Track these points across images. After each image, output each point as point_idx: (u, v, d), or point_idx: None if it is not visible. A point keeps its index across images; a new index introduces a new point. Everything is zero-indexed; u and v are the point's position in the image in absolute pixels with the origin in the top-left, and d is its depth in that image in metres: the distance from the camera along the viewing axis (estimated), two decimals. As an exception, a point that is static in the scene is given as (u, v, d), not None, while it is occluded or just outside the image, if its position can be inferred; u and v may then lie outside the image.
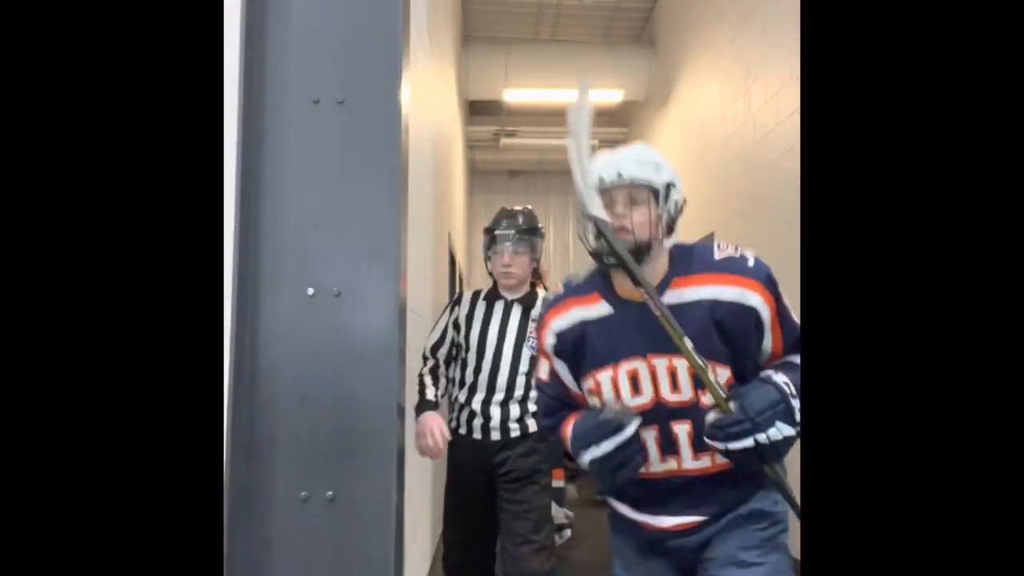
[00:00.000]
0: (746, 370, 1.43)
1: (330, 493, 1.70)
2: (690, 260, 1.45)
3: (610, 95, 7.24)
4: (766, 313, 1.44)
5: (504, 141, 8.03)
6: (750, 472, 1.46)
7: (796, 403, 1.38)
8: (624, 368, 1.42)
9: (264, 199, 1.78)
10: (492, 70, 6.85)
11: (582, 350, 1.46)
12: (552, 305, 1.54)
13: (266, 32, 1.82)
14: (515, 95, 7.12)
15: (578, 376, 1.49)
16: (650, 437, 1.43)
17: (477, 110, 8.78)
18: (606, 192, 1.38)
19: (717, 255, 1.44)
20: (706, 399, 1.37)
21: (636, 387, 1.42)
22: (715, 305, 1.39)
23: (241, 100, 1.75)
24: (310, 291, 1.73)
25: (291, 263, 1.73)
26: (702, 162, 5.52)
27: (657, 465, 1.45)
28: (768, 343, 1.46)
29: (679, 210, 1.49)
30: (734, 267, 1.42)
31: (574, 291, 1.52)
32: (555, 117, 8.93)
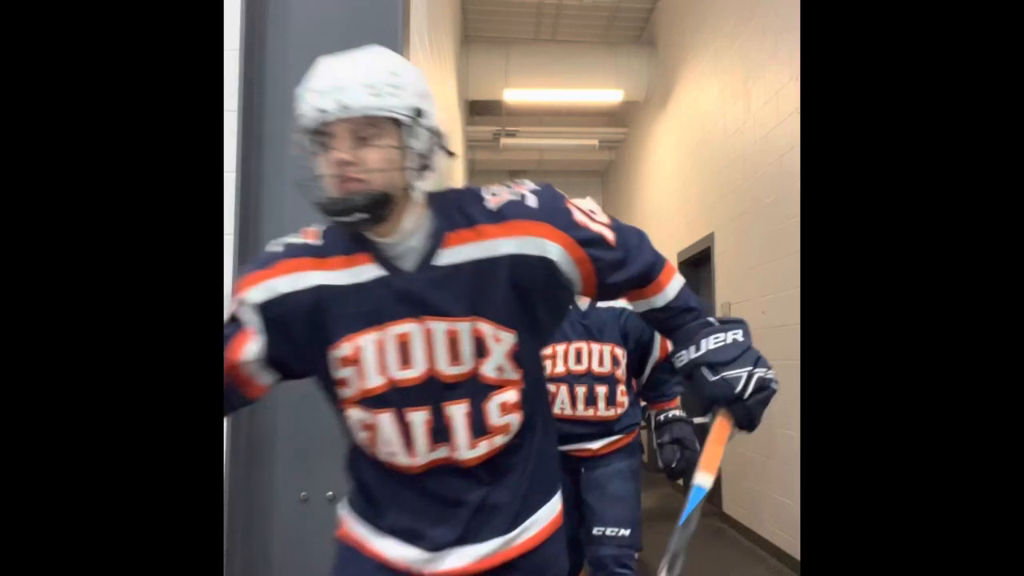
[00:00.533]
0: (539, 332, 1.13)
1: (330, 493, 1.70)
2: (461, 209, 1.09)
3: (610, 95, 7.24)
4: (566, 258, 1.07)
5: (504, 141, 8.03)
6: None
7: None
8: (392, 331, 1.05)
9: (264, 199, 1.79)
10: (492, 70, 6.85)
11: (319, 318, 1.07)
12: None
13: (266, 32, 1.83)
14: (515, 95, 7.12)
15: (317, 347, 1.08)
16: (418, 419, 1.07)
17: (477, 110, 8.78)
18: (326, 128, 0.98)
19: (491, 202, 1.09)
20: (485, 369, 1.06)
21: (405, 357, 1.06)
22: (513, 261, 1.05)
23: (241, 100, 1.75)
24: (310, 291, 1.73)
25: (291, 263, 1.73)
26: (702, 162, 5.52)
27: (424, 455, 1.08)
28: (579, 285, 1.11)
29: (437, 143, 1.07)
30: (521, 212, 1.08)
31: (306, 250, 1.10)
32: (555, 117, 8.96)
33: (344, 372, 1.06)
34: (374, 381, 1.05)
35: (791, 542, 3.78)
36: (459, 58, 6.58)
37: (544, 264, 1.06)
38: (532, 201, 1.09)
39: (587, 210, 1.12)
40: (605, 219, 1.14)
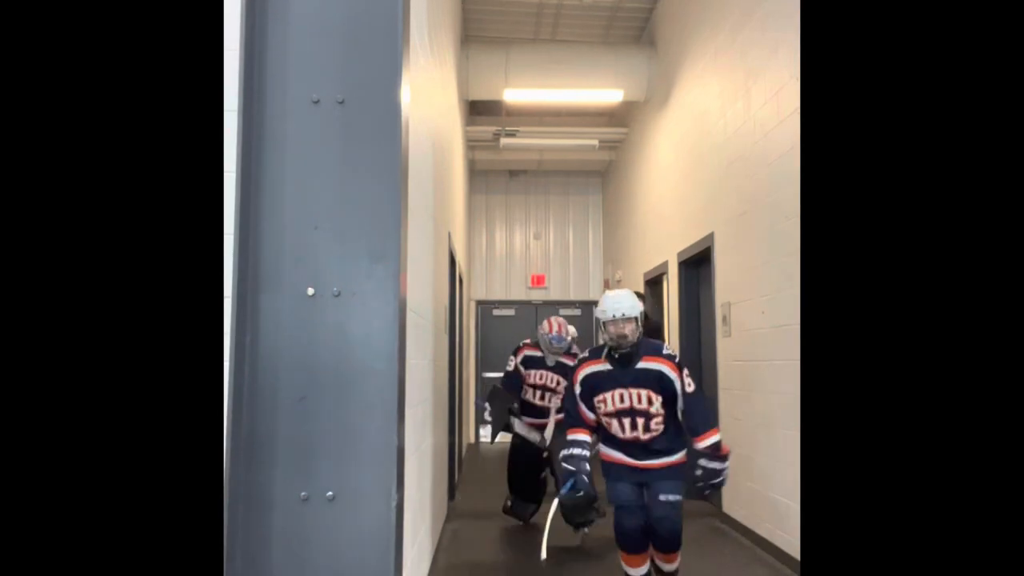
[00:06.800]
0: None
1: (330, 493, 1.70)
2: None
3: (610, 95, 7.24)
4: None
5: (504, 141, 8.04)
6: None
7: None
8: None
9: (264, 199, 1.79)
10: (492, 70, 6.86)
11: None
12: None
13: (266, 32, 1.83)
14: (515, 95, 7.13)
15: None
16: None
17: (477, 110, 8.78)
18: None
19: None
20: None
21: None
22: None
23: (241, 100, 1.75)
24: (310, 291, 1.73)
25: (291, 263, 1.74)
26: (702, 162, 5.53)
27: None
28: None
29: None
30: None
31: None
32: (555, 117, 8.96)
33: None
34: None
35: (791, 542, 3.78)
36: (459, 58, 6.58)
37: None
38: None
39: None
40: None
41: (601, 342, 3.37)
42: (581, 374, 3.39)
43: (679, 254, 6.02)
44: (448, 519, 4.94)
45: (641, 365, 3.24)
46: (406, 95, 1.84)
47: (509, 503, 4.92)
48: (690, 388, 3.23)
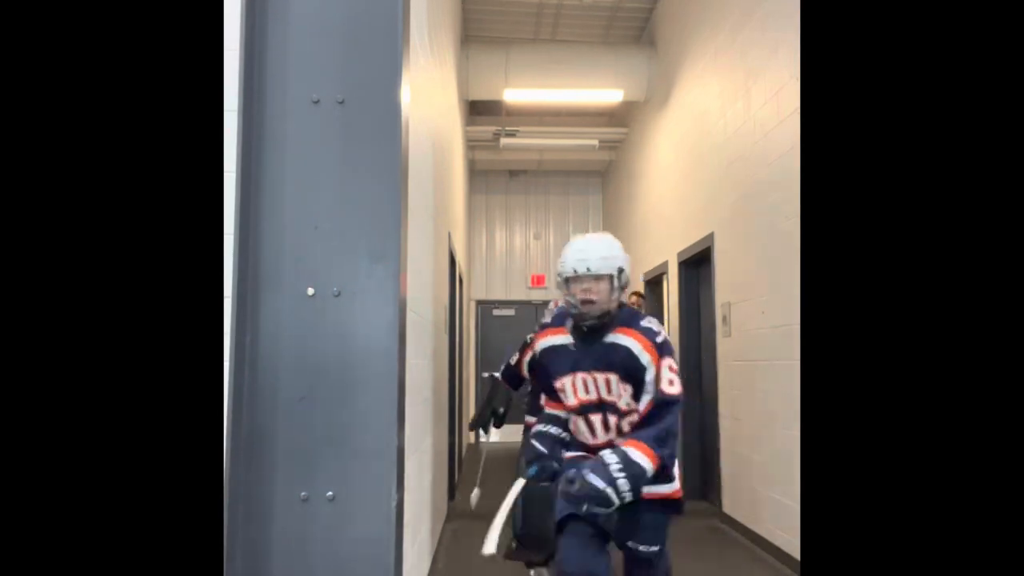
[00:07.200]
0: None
1: (330, 493, 1.70)
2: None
3: (610, 95, 7.24)
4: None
5: (504, 141, 8.04)
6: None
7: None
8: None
9: (264, 199, 1.79)
10: (492, 70, 6.86)
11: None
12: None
13: (266, 32, 1.83)
14: (515, 95, 7.12)
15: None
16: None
17: (477, 110, 8.78)
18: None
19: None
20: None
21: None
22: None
23: (241, 100, 1.75)
24: (310, 291, 1.73)
25: (291, 263, 1.73)
26: (702, 162, 5.52)
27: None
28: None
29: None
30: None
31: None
32: (555, 117, 8.96)
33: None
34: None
35: (791, 542, 3.78)
36: (459, 58, 6.58)
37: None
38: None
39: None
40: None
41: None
42: (539, 344, 2.40)
43: (679, 254, 6.02)
44: (448, 519, 4.93)
45: (609, 339, 2.21)
46: (406, 95, 1.84)
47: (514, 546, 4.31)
48: (671, 388, 2.14)
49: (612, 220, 9.44)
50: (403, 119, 1.80)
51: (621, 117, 8.74)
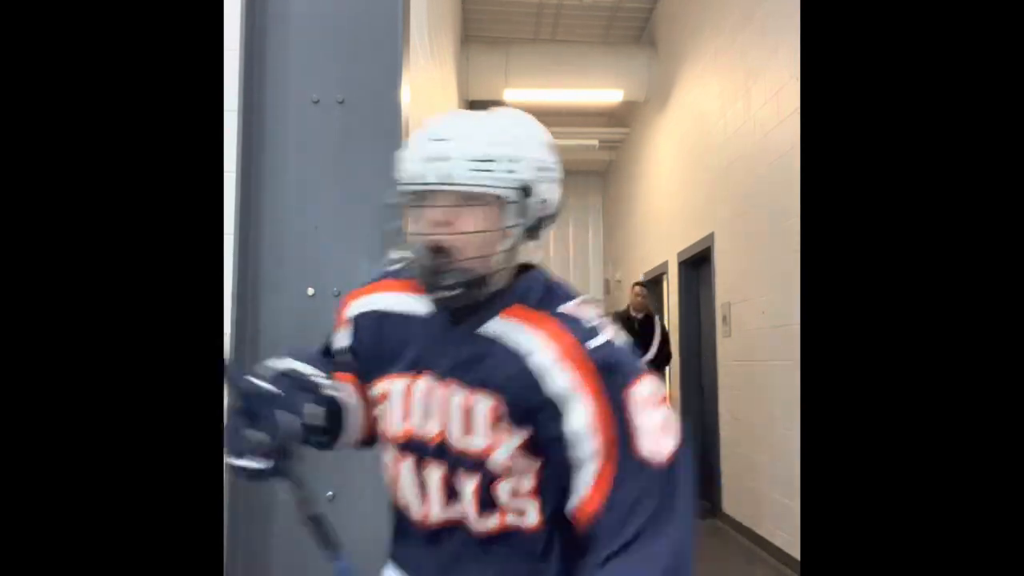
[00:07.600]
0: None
1: (330, 493, 1.70)
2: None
3: (610, 95, 7.24)
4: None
5: (504, 141, 8.02)
6: None
7: None
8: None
9: (264, 199, 1.79)
10: (492, 70, 6.85)
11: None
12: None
13: (266, 32, 1.83)
14: (515, 95, 7.12)
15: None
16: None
17: (477, 110, 8.77)
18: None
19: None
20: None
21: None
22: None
23: (241, 100, 1.75)
24: (310, 291, 1.73)
25: (291, 264, 1.74)
26: (702, 162, 5.52)
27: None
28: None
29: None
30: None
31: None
32: (555, 117, 8.95)
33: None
34: None
35: (791, 542, 3.78)
36: (459, 58, 6.58)
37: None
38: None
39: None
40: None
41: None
42: (354, 306, 1.20)
43: (679, 254, 6.02)
44: (448, 519, 4.93)
45: (493, 327, 0.96)
46: (406, 95, 1.84)
47: None
48: (659, 445, 0.89)
49: (612, 220, 9.44)
50: (403, 119, 1.80)
51: (621, 117, 8.74)
